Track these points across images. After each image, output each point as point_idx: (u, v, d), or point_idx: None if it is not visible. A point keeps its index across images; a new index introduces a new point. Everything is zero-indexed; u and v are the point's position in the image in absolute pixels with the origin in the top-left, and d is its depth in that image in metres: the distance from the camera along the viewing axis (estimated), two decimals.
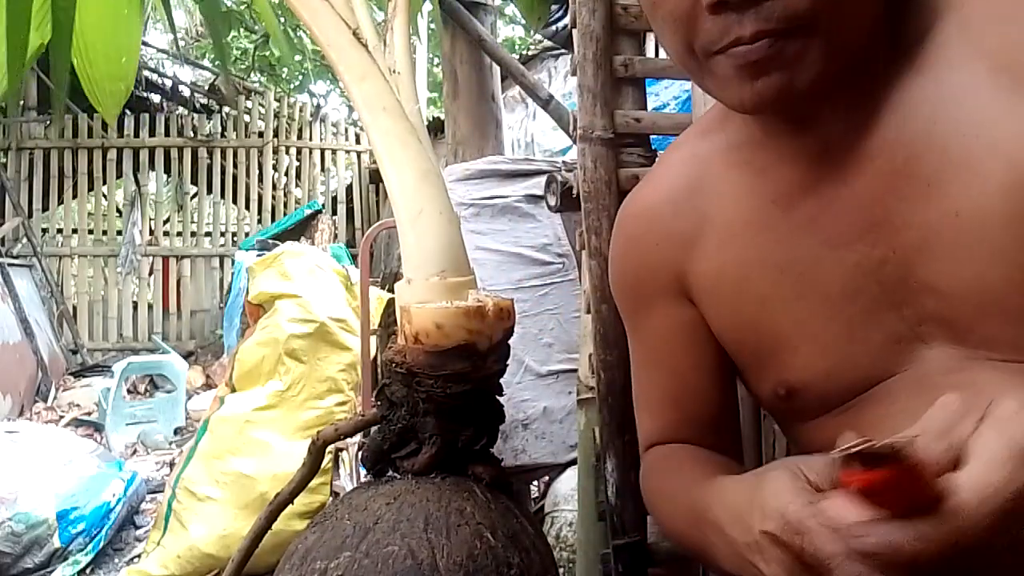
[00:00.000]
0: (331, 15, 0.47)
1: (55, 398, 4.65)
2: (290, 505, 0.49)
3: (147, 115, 6.10)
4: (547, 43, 5.20)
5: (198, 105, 6.57)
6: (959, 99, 0.52)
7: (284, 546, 0.45)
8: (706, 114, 0.71)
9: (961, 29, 0.54)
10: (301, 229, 5.62)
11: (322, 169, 6.53)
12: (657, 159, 0.80)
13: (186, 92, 6.61)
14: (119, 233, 6.07)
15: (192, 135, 6.16)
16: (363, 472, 0.46)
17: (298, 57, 6.74)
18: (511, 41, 8.24)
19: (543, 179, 1.61)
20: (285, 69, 8.38)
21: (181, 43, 7.63)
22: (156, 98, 6.56)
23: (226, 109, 6.40)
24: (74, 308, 5.86)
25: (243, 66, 8.33)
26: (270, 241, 4.75)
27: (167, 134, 6.13)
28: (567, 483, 1.87)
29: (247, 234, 6.10)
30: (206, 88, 6.80)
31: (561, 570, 1.80)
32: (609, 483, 1.19)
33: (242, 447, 2.38)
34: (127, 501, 2.69)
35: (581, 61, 1.23)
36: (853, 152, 0.57)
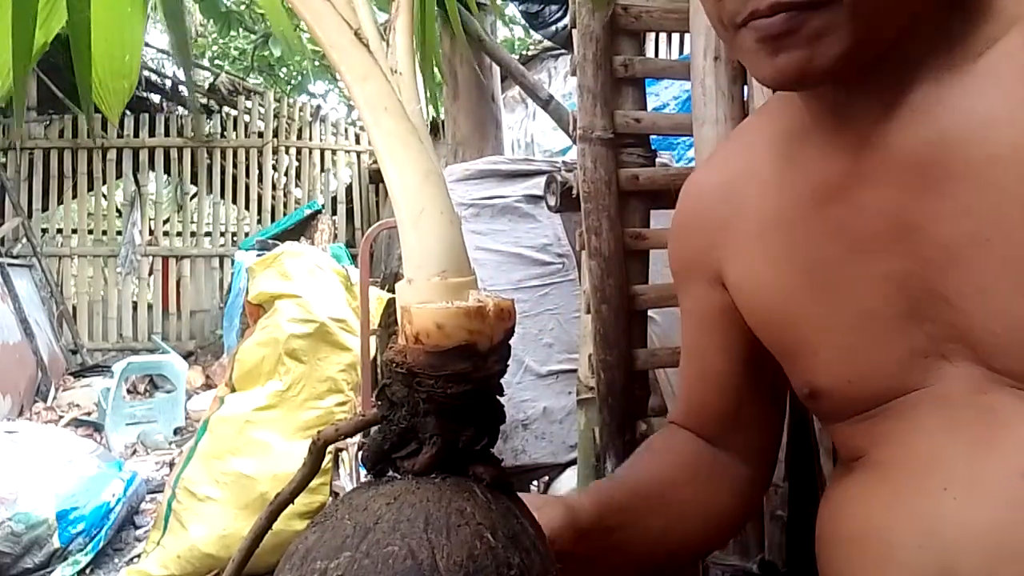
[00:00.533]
0: (333, 15, 0.47)
1: (55, 398, 4.66)
2: (290, 505, 0.49)
3: (147, 115, 6.10)
4: (547, 43, 5.21)
5: (198, 105, 6.57)
6: (1005, 121, 0.50)
7: (284, 546, 0.45)
8: (774, 95, 0.69)
9: None
10: (301, 229, 5.63)
11: (322, 169, 6.54)
12: (730, 136, 0.81)
13: (186, 92, 6.61)
14: (119, 233, 6.07)
15: (192, 135, 6.16)
16: (363, 472, 0.46)
17: (296, 56, 6.74)
18: (511, 41, 8.24)
19: (543, 179, 1.61)
20: (284, 69, 8.39)
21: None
22: (156, 98, 6.56)
23: (226, 109, 6.40)
24: (74, 308, 5.87)
25: (242, 66, 8.34)
26: (270, 241, 4.75)
27: (167, 134, 6.13)
28: (567, 483, 1.87)
29: (247, 234, 6.10)
30: (206, 88, 6.80)
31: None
32: None
33: (242, 447, 2.38)
34: (127, 501, 2.69)
35: (581, 61, 1.23)
36: (888, 154, 0.55)
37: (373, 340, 2.25)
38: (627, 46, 1.27)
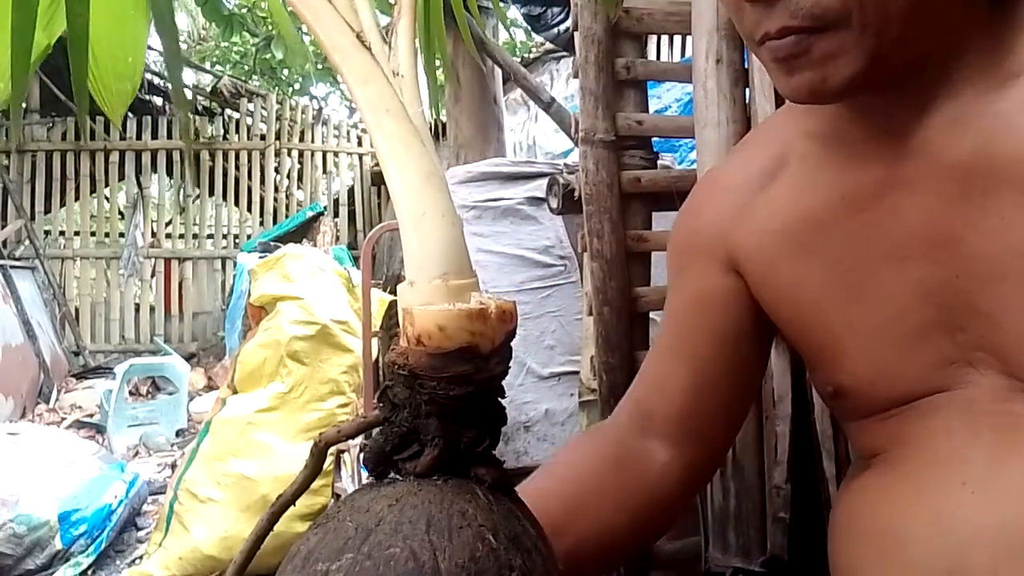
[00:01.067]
0: (335, 18, 0.47)
1: (57, 400, 4.66)
2: (292, 507, 0.49)
3: (149, 117, 6.11)
4: (549, 46, 5.21)
5: (200, 108, 6.58)
6: None
7: (286, 547, 0.45)
8: None
9: None
10: (303, 231, 5.63)
11: (324, 171, 6.54)
12: (754, 129, 0.81)
13: (188, 94, 6.62)
14: (121, 235, 6.08)
15: (194, 137, 6.17)
16: (365, 474, 0.46)
17: (299, 59, 6.75)
18: (513, 44, 8.24)
19: (545, 182, 1.62)
20: (286, 72, 8.39)
21: (183, 46, 7.64)
22: (159, 101, 6.57)
23: (228, 112, 6.41)
24: (76, 310, 5.87)
25: (244, 69, 8.35)
26: (272, 243, 4.75)
27: (169, 136, 6.14)
28: None
29: (249, 236, 6.10)
30: (208, 91, 6.81)
31: None
32: None
33: (244, 449, 2.38)
34: (129, 503, 2.69)
35: (583, 64, 1.23)
36: (929, 163, 0.55)
37: (375, 342, 2.25)
38: (629, 49, 1.27)
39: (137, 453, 3.73)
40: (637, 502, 0.69)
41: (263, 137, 6.32)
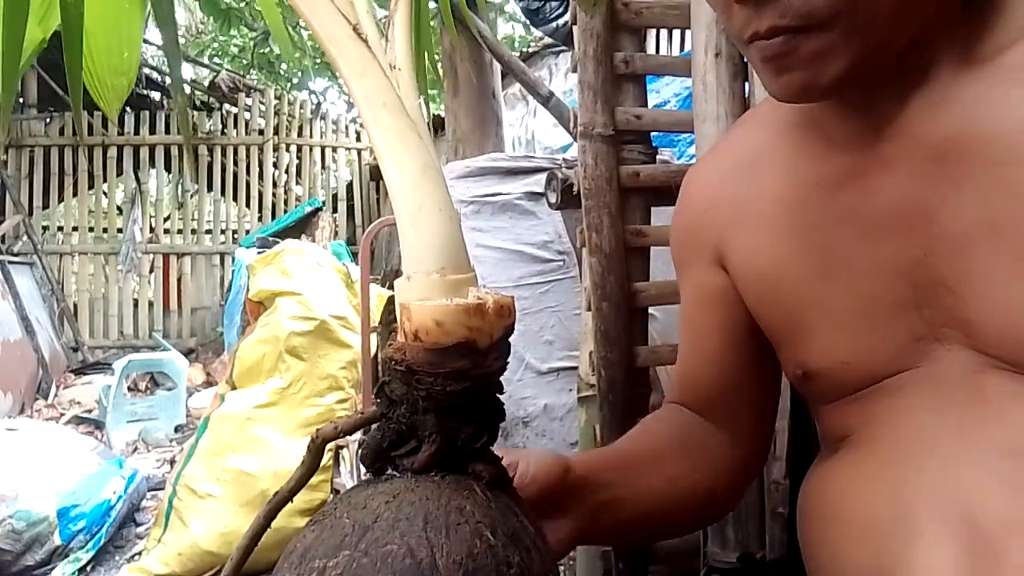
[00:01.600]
0: (331, 10, 0.46)
1: (56, 396, 4.66)
2: (290, 503, 0.49)
3: (147, 113, 6.10)
4: (547, 40, 5.20)
5: (198, 103, 6.56)
6: (1015, 122, 0.51)
7: (285, 543, 0.45)
8: None
9: None
10: (302, 226, 5.62)
11: (322, 166, 6.53)
12: (734, 123, 0.84)
13: (186, 90, 6.61)
14: (119, 231, 6.07)
15: (192, 132, 6.16)
16: (363, 470, 0.46)
17: (297, 54, 6.73)
18: (511, 38, 8.23)
19: (544, 176, 1.61)
20: (284, 66, 8.38)
21: (181, 40, 7.61)
22: (156, 95, 6.55)
23: (226, 107, 6.40)
24: (75, 306, 5.87)
25: (242, 63, 8.33)
26: (270, 239, 4.74)
27: (167, 131, 6.13)
28: None
29: (247, 231, 6.10)
30: (206, 86, 6.80)
31: (562, 568, 1.80)
32: None
33: (243, 444, 2.38)
34: (128, 499, 2.69)
35: (582, 58, 1.23)
36: (904, 144, 0.56)
37: (374, 337, 2.25)
38: (628, 42, 1.26)
39: (136, 449, 3.73)
40: (698, 480, 0.71)
41: (261, 132, 6.31)
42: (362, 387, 2.27)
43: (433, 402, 0.43)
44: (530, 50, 6.12)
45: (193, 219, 6.26)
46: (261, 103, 6.36)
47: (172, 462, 3.24)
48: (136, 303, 6.06)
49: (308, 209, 5.83)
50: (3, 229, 5.56)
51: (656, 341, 1.46)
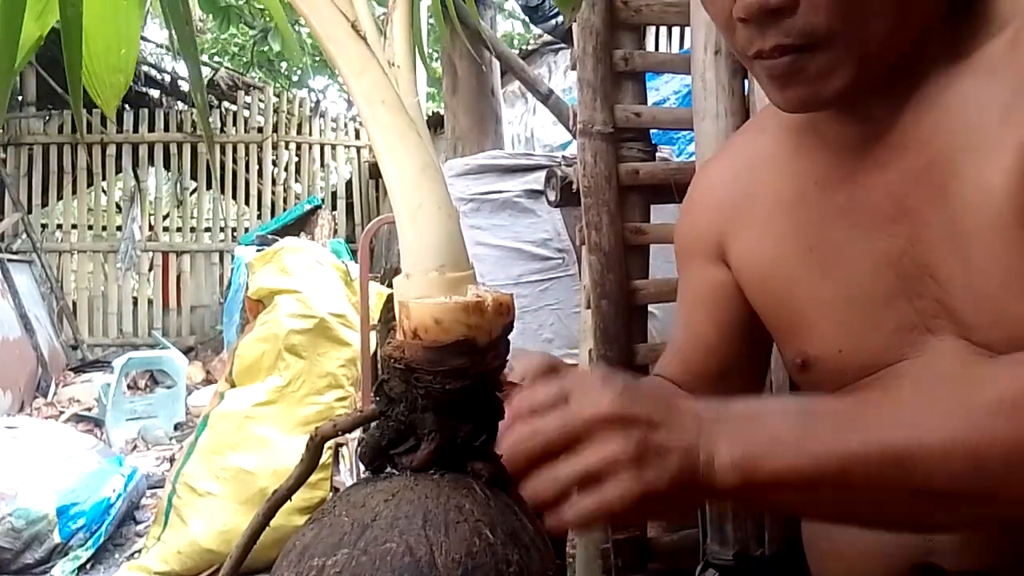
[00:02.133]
0: (329, 7, 0.46)
1: (55, 394, 4.65)
2: (289, 501, 0.49)
3: (147, 110, 6.09)
4: (547, 38, 5.19)
5: (204, 102, 6.54)
6: (988, 112, 0.54)
7: (285, 541, 0.45)
8: None
9: (1012, 46, 0.55)
10: (301, 224, 5.62)
11: (322, 164, 6.53)
12: (739, 130, 0.89)
13: (185, 87, 6.60)
14: (119, 229, 6.06)
15: (191, 130, 6.15)
16: (362, 468, 0.46)
17: (295, 52, 6.72)
18: (510, 36, 8.22)
19: (543, 174, 1.61)
20: (284, 64, 8.37)
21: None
22: (155, 93, 6.54)
23: (225, 104, 6.39)
24: (74, 304, 5.86)
25: (242, 61, 8.32)
26: (270, 236, 4.74)
27: (166, 129, 6.12)
28: None
29: (247, 229, 6.09)
30: (205, 83, 6.78)
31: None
32: None
33: (242, 443, 2.38)
34: (127, 497, 2.69)
35: (581, 55, 1.23)
36: (892, 146, 0.59)
37: (373, 335, 2.24)
38: (627, 40, 1.26)
39: (135, 447, 3.73)
40: None
41: (260, 130, 6.30)
42: (361, 385, 2.26)
43: (432, 400, 0.43)
44: (529, 48, 6.11)
45: (192, 217, 6.26)
46: (260, 101, 6.35)
47: (171, 460, 3.24)
48: (135, 301, 6.06)
49: (307, 207, 5.83)
50: (2, 227, 5.55)
51: (655, 339, 1.46)
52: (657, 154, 1.34)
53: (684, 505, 0.49)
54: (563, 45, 5.08)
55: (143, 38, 6.30)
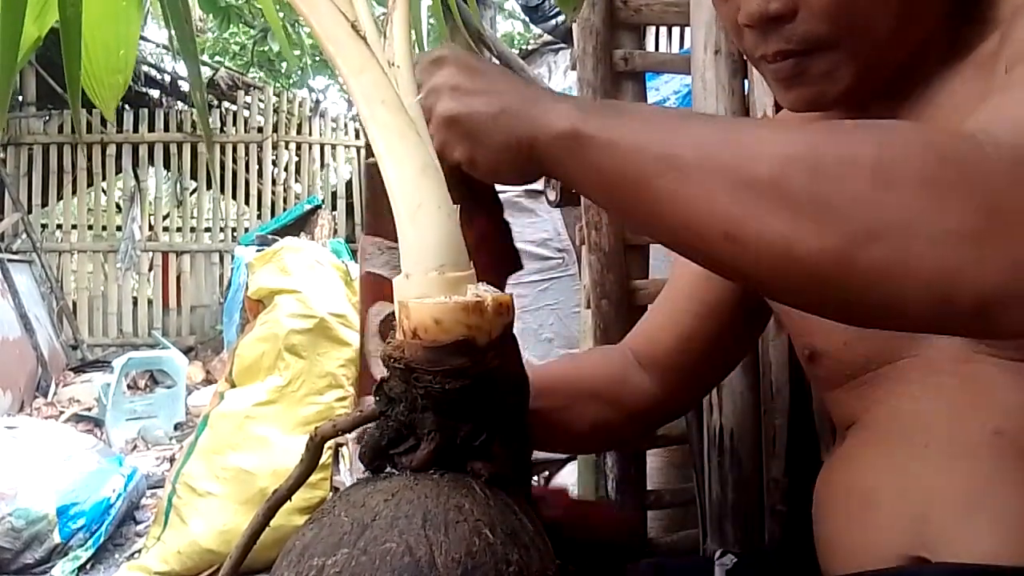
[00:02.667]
0: (329, 7, 0.46)
1: (55, 394, 4.65)
2: (289, 501, 0.49)
3: (146, 110, 6.09)
4: (547, 37, 5.20)
5: (204, 102, 6.54)
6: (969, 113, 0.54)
7: (284, 541, 0.45)
8: None
9: (1001, 42, 0.55)
10: (301, 224, 5.62)
11: (322, 164, 6.53)
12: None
13: (185, 87, 6.60)
14: (119, 229, 6.06)
15: (191, 130, 6.15)
16: (362, 468, 0.46)
17: (296, 52, 6.73)
18: (511, 35, 8.22)
19: None
20: (284, 64, 8.37)
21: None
22: (155, 93, 6.54)
23: (225, 104, 6.39)
24: (74, 304, 5.86)
25: (242, 61, 8.32)
26: (270, 236, 4.74)
27: (166, 129, 6.12)
28: (567, 478, 1.87)
29: (247, 229, 6.09)
30: (205, 83, 6.78)
31: None
32: (609, 478, 1.19)
33: (242, 442, 2.38)
34: (127, 497, 2.69)
35: (581, 55, 1.23)
36: None
37: None
38: (627, 40, 1.26)
39: (135, 447, 3.73)
40: (621, 405, 0.78)
41: (260, 130, 6.30)
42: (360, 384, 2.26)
43: (432, 400, 0.43)
44: (529, 47, 6.12)
45: (192, 217, 6.26)
46: (260, 101, 6.35)
47: (171, 460, 3.24)
48: (135, 301, 6.06)
49: (307, 207, 5.82)
50: (2, 227, 5.55)
51: None
52: None
53: (513, 157, 0.50)
54: (563, 45, 5.08)
55: (143, 38, 6.30)
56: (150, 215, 6.41)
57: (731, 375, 1.01)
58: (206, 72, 6.93)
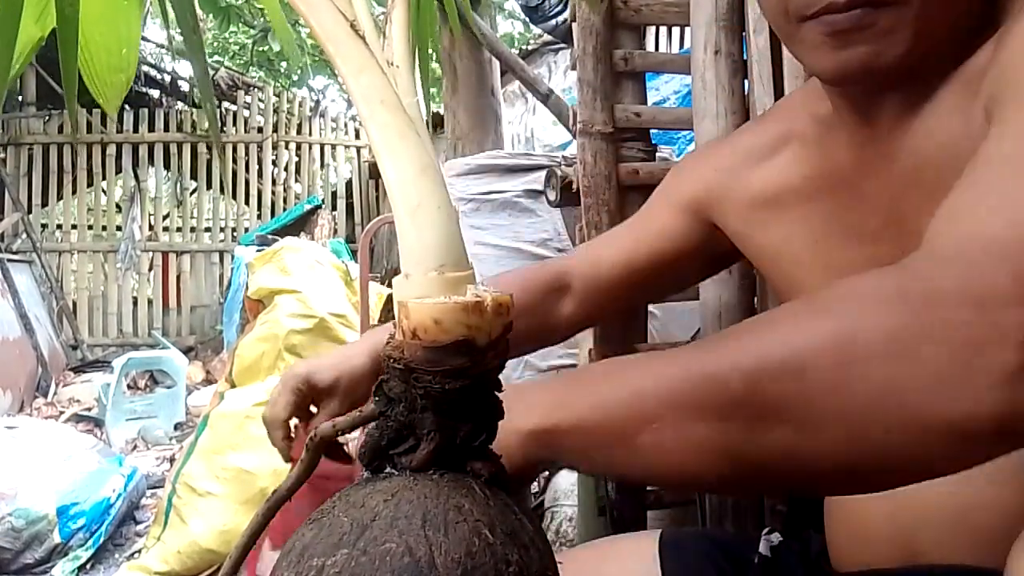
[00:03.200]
0: (329, 7, 0.46)
1: (55, 394, 4.65)
2: (289, 501, 0.49)
3: (146, 110, 6.09)
4: (547, 37, 5.20)
5: (197, 100, 6.55)
6: (972, 118, 0.53)
7: None
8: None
9: (996, 48, 0.54)
10: (301, 224, 5.62)
11: (321, 164, 6.53)
12: (776, 103, 0.94)
13: (185, 87, 6.60)
14: (119, 229, 6.06)
15: (191, 130, 6.15)
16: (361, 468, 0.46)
17: (296, 52, 6.72)
18: (511, 35, 8.22)
19: (543, 174, 1.61)
20: (284, 64, 8.36)
21: (179, 38, 7.59)
22: (155, 93, 6.54)
23: (225, 104, 6.39)
24: (74, 304, 5.86)
25: (242, 61, 8.32)
26: (270, 236, 4.74)
27: (166, 129, 6.12)
28: (567, 478, 1.87)
29: (247, 229, 6.09)
30: None
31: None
32: (609, 478, 1.19)
33: (242, 442, 2.38)
34: (127, 497, 2.69)
35: (581, 55, 1.23)
36: (890, 150, 0.60)
37: None
38: (627, 40, 1.26)
39: (135, 447, 3.73)
40: (541, 320, 0.85)
41: (260, 130, 6.30)
42: None
43: (431, 400, 0.43)
44: (529, 47, 6.11)
45: (192, 217, 6.26)
46: (260, 101, 6.35)
47: (171, 460, 3.24)
48: (135, 301, 6.06)
49: (307, 207, 5.83)
50: (2, 227, 5.55)
51: (655, 339, 1.46)
52: (657, 154, 1.34)
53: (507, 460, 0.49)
54: (563, 45, 5.08)
55: (143, 38, 6.30)
56: (150, 215, 6.41)
57: None
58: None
